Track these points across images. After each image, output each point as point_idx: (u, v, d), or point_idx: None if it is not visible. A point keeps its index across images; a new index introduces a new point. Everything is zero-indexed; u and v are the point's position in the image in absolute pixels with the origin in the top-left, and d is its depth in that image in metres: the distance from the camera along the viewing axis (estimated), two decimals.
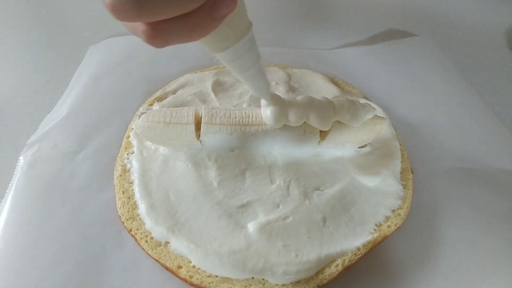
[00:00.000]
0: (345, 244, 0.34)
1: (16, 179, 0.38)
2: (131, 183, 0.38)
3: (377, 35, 0.65)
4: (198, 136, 0.37)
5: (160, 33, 0.22)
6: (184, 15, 0.22)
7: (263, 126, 0.36)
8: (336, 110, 0.36)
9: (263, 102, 0.35)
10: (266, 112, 0.35)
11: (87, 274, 0.32)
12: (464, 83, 0.54)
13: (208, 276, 0.32)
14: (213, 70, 0.51)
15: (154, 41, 0.23)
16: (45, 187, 0.38)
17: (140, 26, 0.23)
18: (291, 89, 0.48)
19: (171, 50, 0.56)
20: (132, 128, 0.43)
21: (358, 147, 0.40)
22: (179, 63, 0.54)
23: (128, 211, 0.36)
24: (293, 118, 0.35)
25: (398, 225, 0.36)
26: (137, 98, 0.48)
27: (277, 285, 0.32)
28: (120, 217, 0.36)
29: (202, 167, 0.38)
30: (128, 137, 0.42)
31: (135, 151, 0.40)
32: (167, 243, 0.34)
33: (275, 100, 0.35)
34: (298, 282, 0.32)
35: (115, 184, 0.38)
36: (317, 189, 0.37)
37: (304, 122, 0.36)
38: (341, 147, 0.39)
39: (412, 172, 0.41)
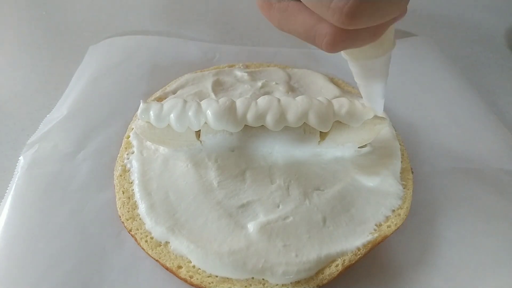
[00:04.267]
0: (345, 244, 0.33)
1: (16, 179, 0.38)
2: (131, 183, 0.38)
3: None
4: (198, 136, 0.37)
5: (350, 35, 0.20)
6: None
7: (263, 126, 0.36)
8: (336, 110, 0.36)
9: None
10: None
11: (87, 274, 0.32)
12: (464, 83, 0.54)
13: (208, 276, 0.32)
14: (213, 70, 0.51)
15: (338, 44, 0.21)
16: (45, 187, 0.38)
17: (323, 28, 0.21)
18: (291, 89, 0.48)
19: (171, 50, 0.56)
20: (132, 128, 0.42)
21: (358, 147, 0.40)
22: (179, 63, 0.54)
23: (128, 211, 0.36)
24: (292, 118, 0.35)
25: (398, 225, 0.36)
26: (137, 98, 0.47)
27: (277, 285, 0.32)
28: (120, 217, 0.36)
29: (202, 167, 0.38)
30: (128, 137, 0.42)
31: (135, 151, 0.40)
32: (167, 243, 0.34)
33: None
34: (298, 282, 0.32)
35: (115, 184, 0.38)
36: (317, 189, 0.37)
37: (304, 122, 0.36)
38: (341, 147, 0.39)
39: (412, 172, 0.41)
